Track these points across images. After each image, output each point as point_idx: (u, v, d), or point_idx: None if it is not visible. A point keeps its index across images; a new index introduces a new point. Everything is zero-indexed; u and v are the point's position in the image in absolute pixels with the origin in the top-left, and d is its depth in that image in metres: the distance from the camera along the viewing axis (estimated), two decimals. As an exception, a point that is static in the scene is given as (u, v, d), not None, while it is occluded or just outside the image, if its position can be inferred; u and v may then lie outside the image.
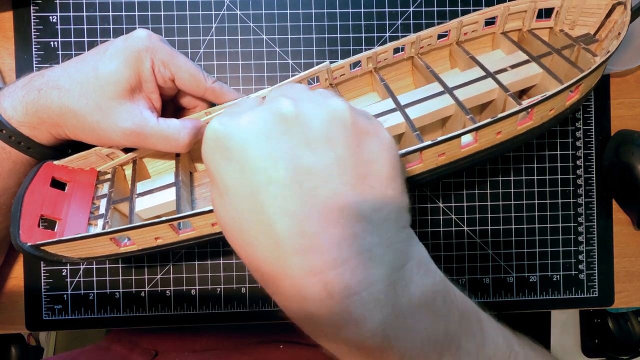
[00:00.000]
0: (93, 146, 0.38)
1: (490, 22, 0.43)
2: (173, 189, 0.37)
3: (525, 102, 0.33)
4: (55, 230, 0.35)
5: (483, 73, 0.39)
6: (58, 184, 0.37)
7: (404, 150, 0.30)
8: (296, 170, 0.21)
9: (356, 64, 0.42)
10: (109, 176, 0.40)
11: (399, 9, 0.47)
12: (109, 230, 0.32)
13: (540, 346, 0.30)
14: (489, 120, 0.31)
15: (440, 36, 0.42)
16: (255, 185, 0.21)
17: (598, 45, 0.40)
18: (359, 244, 0.21)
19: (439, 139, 0.31)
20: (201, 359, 0.44)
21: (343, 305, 0.21)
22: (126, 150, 0.39)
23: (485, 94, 0.38)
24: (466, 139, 0.32)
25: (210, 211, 0.31)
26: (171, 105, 0.42)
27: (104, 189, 0.39)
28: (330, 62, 0.40)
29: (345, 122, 0.23)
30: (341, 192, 0.21)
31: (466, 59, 0.41)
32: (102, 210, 0.37)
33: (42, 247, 0.32)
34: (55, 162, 0.38)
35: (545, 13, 0.43)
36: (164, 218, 0.32)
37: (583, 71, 0.36)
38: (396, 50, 0.42)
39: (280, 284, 0.22)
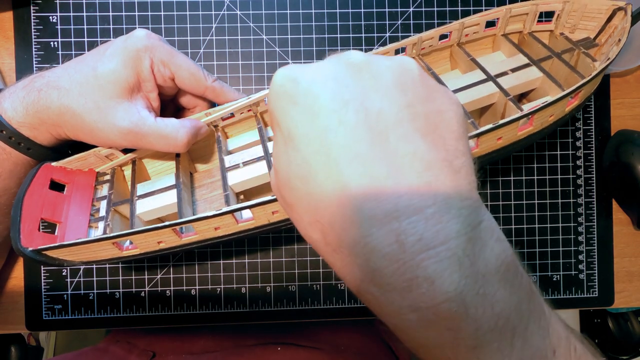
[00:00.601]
0: (94, 147, 0.38)
1: (491, 23, 0.43)
2: (174, 191, 0.37)
3: (526, 107, 0.33)
4: (56, 233, 0.35)
5: (484, 76, 0.39)
6: (57, 186, 0.37)
7: None
8: (366, 113, 0.21)
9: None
10: (108, 177, 0.39)
11: (399, 9, 0.47)
12: (112, 235, 0.32)
13: (588, 341, 0.27)
14: (490, 126, 0.31)
15: (441, 37, 0.42)
16: (323, 128, 0.21)
17: (598, 49, 0.40)
18: (434, 192, 0.20)
19: None
20: None
21: (417, 260, 0.19)
22: (125, 151, 0.39)
23: (486, 97, 0.38)
24: None
25: (213, 216, 0.31)
26: (171, 105, 0.42)
27: (104, 190, 0.39)
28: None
29: (414, 75, 0.22)
30: (412, 137, 0.20)
31: (467, 60, 0.41)
32: (102, 213, 0.37)
33: (43, 252, 0.32)
34: (54, 164, 0.37)
35: (545, 16, 0.43)
36: (167, 223, 0.32)
37: (583, 76, 0.36)
38: (397, 51, 0.42)
39: (345, 236, 0.20)
